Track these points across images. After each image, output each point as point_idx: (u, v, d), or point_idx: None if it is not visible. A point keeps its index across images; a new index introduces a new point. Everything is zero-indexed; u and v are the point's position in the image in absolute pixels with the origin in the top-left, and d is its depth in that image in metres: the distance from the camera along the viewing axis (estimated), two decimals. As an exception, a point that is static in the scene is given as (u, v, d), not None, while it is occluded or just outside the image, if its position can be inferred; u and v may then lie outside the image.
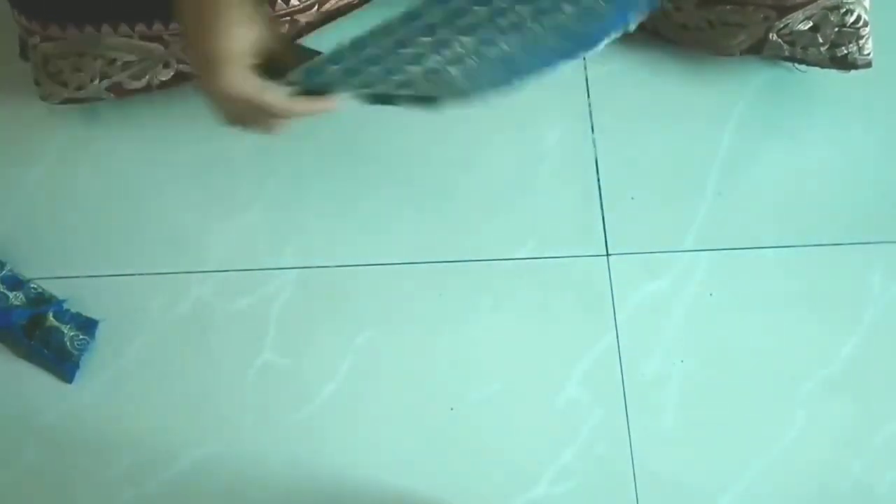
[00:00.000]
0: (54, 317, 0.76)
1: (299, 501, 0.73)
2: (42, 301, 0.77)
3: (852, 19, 0.78)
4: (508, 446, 0.75)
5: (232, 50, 0.58)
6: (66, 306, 0.77)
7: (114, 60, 0.78)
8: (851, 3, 0.78)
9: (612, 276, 0.81)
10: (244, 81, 0.59)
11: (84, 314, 0.77)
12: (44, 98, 0.80)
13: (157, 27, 0.77)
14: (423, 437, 0.75)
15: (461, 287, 0.79)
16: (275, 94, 0.60)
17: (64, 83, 0.79)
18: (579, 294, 0.80)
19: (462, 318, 0.79)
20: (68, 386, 0.75)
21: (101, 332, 0.77)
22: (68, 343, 0.75)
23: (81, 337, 0.76)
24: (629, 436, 0.76)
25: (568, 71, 0.78)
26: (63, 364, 0.75)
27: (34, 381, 0.76)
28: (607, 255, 0.81)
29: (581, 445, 0.75)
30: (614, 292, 0.80)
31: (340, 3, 0.83)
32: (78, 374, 0.76)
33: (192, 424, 0.75)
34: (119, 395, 0.75)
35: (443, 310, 0.79)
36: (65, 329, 0.76)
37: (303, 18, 0.82)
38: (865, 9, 0.78)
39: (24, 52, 0.81)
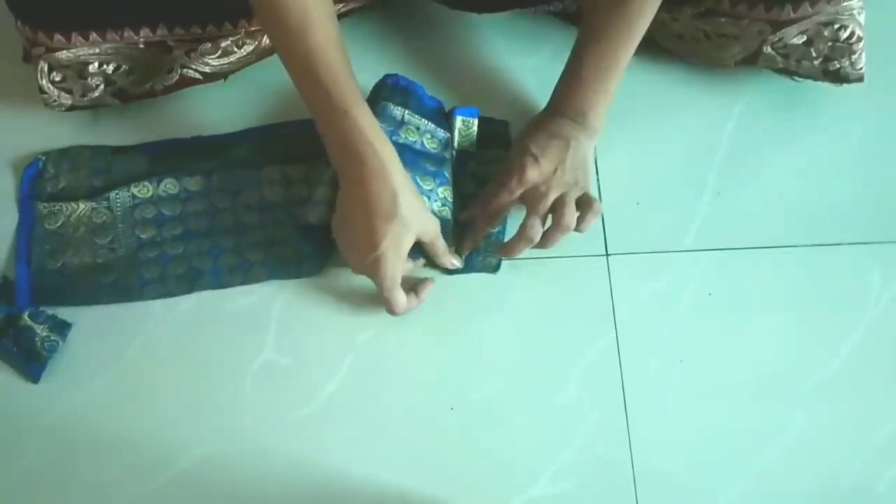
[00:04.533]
0: (29, 316, 0.76)
1: (299, 501, 0.73)
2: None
3: (846, 35, 0.79)
4: (508, 446, 0.75)
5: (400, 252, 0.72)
6: (41, 307, 0.77)
7: (118, 67, 0.79)
8: (845, 18, 0.78)
9: (612, 276, 0.81)
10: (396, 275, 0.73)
11: (59, 316, 0.77)
12: (48, 105, 0.80)
13: (161, 32, 0.77)
14: (423, 437, 0.75)
15: (461, 287, 0.79)
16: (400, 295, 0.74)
17: (69, 90, 0.79)
18: (579, 294, 0.80)
19: (462, 317, 0.79)
20: (67, 385, 0.76)
21: (101, 330, 0.77)
22: (38, 343, 0.75)
23: (53, 338, 0.76)
24: (629, 436, 0.76)
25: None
26: (30, 364, 0.75)
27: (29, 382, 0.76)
28: (607, 255, 0.81)
29: (580, 445, 0.75)
30: (614, 292, 0.80)
31: (341, 10, 0.84)
32: (44, 373, 0.76)
33: (192, 424, 0.75)
34: (119, 395, 0.75)
35: (443, 309, 0.79)
36: (37, 329, 0.76)
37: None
38: (860, 24, 0.79)
39: (26, 56, 0.82)
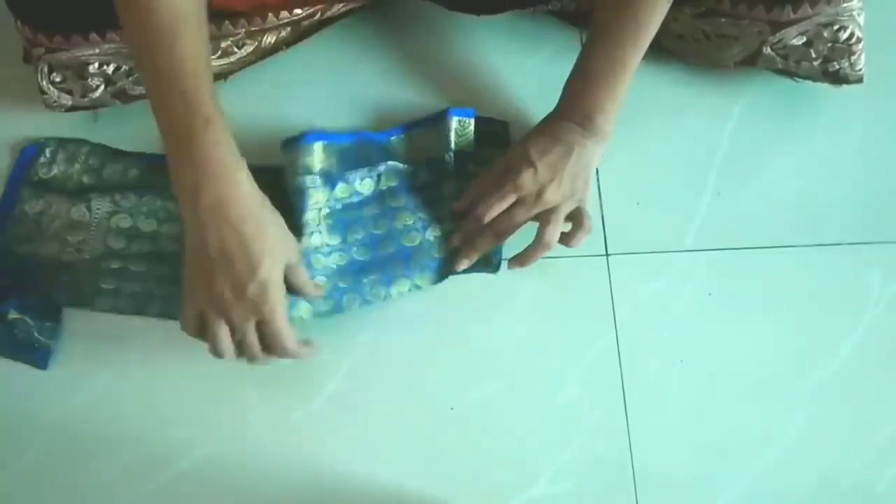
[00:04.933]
0: (15, 311, 0.76)
1: (299, 501, 0.73)
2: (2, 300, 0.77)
3: (845, 36, 0.79)
4: (508, 446, 0.75)
5: (277, 275, 0.68)
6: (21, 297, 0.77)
7: (118, 67, 0.79)
8: (845, 19, 0.78)
9: (612, 276, 0.81)
10: (281, 305, 0.68)
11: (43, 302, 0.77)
12: (49, 106, 0.81)
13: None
14: (423, 437, 0.75)
15: (461, 287, 0.79)
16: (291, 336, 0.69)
17: (69, 91, 0.80)
18: (579, 294, 0.80)
19: (462, 317, 0.79)
20: (68, 385, 0.76)
21: (102, 330, 0.77)
22: (36, 332, 0.75)
23: (48, 324, 0.76)
24: (629, 436, 0.76)
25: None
26: (35, 353, 0.75)
27: (31, 381, 0.76)
28: (607, 255, 0.81)
29: (580, 445, 0.75)
30: (614, 292, 0.80)
31: (341, 10, 0.84)
32: (52, 360, 0.76)
33: (192, 424, 0.75)
34: (119, 395, 0.76)
35: (443, 310, 0.79)
36: (28, 319, 0.76)
37: (304, 22, 0.83)
38: (859, 25, 0.79)
39: (26, 56, 0.82)
